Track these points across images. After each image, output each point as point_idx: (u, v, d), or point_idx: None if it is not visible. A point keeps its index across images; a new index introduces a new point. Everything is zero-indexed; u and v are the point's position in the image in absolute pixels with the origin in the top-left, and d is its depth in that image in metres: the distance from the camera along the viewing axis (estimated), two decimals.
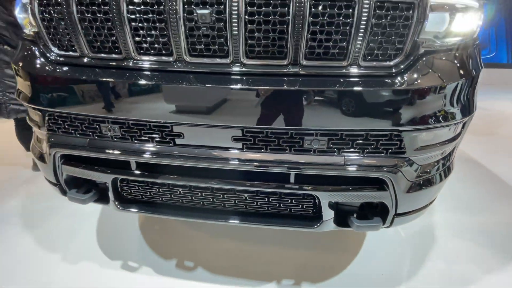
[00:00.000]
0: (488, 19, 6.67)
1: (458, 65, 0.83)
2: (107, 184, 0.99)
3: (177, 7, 0.72)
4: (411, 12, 0.71)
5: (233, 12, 0.70)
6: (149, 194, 1.01)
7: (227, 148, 0.84)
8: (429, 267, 1.37)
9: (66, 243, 1.53)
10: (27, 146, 2.26)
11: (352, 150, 0.82)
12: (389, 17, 0.72)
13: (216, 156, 0.84)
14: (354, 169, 0.81)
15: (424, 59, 0.78)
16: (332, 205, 0.92)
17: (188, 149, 0.85)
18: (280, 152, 0.82)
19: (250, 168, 0.83)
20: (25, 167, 2.37)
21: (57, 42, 0.88)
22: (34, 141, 1.12)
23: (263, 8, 0.71)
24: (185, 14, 0.73)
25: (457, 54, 0.84)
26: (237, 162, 0.83)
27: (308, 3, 0.69)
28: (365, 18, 0.70)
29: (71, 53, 0.88)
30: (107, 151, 0.89)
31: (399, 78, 0.77)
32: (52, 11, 0.83)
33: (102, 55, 0.85)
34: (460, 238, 1.57)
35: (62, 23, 0.82)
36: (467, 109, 0.88)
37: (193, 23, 0.74)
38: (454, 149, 1.02)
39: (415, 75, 0.78)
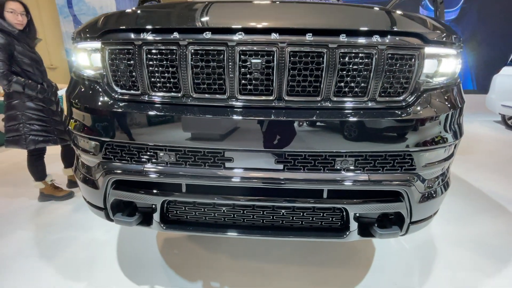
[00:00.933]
0: None
1: (449, 99, 1.06)
2: (154, 206, 1.09)
3: (233, 56, 0.90)
4: (413, 60, 0.94)
5: (280, 62, 0.90)
6: (193, 214, 1.12)
7: (270, 170, 0.99)
8: (436, 275, 1.51)
9: (89, 272, 1.54)
10: (39, 176, 2.28)
11: (374, 168, 0.99)
12: (397, 65, 0.94)
13: (261, 176, 0.99)
14: (377, 184, 0.98)
15: (424, 95, 1.00)
16: (356, 218, 1.07)
17: (236, 171, 0.99)
18: (316, 171, 0.98)
19: (291, 186, 0.98)
20: (30, 198, 2.35)
21: (121, 83, 1.03)
22: (79, 168, 1.21)
23: (303, 59, 0.91)
24: (241, 62, 0.91)
25: (447, 90, 1.07)
26: (279, 181, 0.98)
27: (336, 53, 0.90)
28: (381, 64, 0.92)
29: (132, 91, 1.02)
30: (162, 175, 1.01)
31: (407, 110, 0.98)
32: (122, 59, 0.99)
33: (162, 93, 1.00)
34: (460, 247, 1.74)
35: (130, 68, 0.98)
36: (458, 133, 1.10)
37: (247, 69, 0.92)
38: (449, 166, 1.23)
39: (419, 108, 0.99)
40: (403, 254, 1.70)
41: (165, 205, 1.10)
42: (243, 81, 0.95)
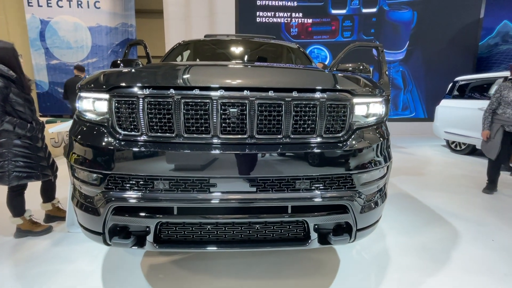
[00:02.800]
0: (405, 88, 8.80)
1: (376, 133, 1.44)
2: (147, 229, 1.29)
3: (217, 107, 1.21)
4: (346, 108, 1.32)
5: (251, 110, 1.22)
6: (182, 233, 1.33)
7: (246, 192, 1.26)
8: (389, 277, 1.80)
9: None
10: (18, 212, 2.30)
11: (324, 187, 1.31)
12: (335, 111, 1.31)
13: (239, 198, 1.25)
14: (328, 199, 1.29)
15: (357, 131, 1.37)
16: (315, 229, 1.35)
17: (219, 194, 1.25)
18: (282, 191, 1.27)
19: (263, 204, 1.25)
20: (6, 234, 2.34)
21: (124, 126, 1.28)
22: (77, 197, 1.38)
23: (268, 108, 1.24)
24: (221, 111, 1.22)
25: (374, 127, 1.45)
26: (253, 200, 1.25)
27: (291, 104, 1.24)
28: (323, 111, 1.27)
29: (133, 133, 1.28)
30: (157, 201, 1.23)
31: (345, 143, 1.33)
32: (126, 107, 1.25)
33: (159, 134, 1.27)
34: (408, 254, 2.07)
35: (133, 114, 1.25)
36: (386, 158, 1.47)
37: (226, 115, 1.23)
38: (385, 184, 1.58)
39: (354, 141, 1.35)
40: (363, 262, 1.98)
41: (158, 227, 1.30)
42: (223, 124, 1.25)
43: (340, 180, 1.33)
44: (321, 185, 1.31)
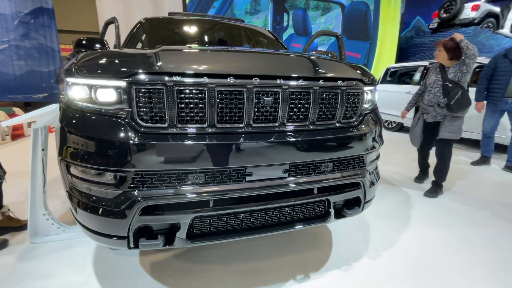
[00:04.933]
0: None
1: (376, 117, 1.64)
2: (178, 225, 1.22)
3: (252, 96, 1.19)
4: (360, 95, 1.46)
5: (284, 98, 1.24)
6: (214, 224, 1.30)
7: (279, 178, 1.30)
8: (372, 238, 2.13)
9: None
10: None
11: (344, 168, 1.45)
12: (351, 98, 1.43)
13: (273, 184, 1.29)
14: (347, 178, 1.44)
15: (365, 117, 1.54)
16: (333, 205, 1.50)
17: (255, 182, 1.26)
18: (309, 175, 1.36)
19: (294, 188, 1.32)
20: None
21: (146, 117, 1.15)
22: (85, 201, 1.20)
23: (298, 97, 1.28)
24: (256, 100, 1.21)
25: (374, 112, 1.65)
26: (285, 185, 1.30)
27: (318, 93, 1.31)
28: (343, 99, 1.39)
29: (159, 125, 1.16)
30: (194, 195, 1.17)
31: (358, 127, 1.48)
32: (151, 97, 1.12)
33: (189, 125, 1.18)
34: (380, 218, 2.45)
35: (160, 104, 1.13)
36: (382, 140, 1.69)
37: (260, 104, 1.23)
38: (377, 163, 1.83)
39: (363, 125, 1.51)
40: (349, 230, 2.28)
41: (191, 222, 1.25)
42: (257, 113, 1.24)
43: (355, 161, 1.49)
44: (341, 166, 1.45)
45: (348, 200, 1.58)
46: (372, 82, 1.57)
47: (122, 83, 1.12)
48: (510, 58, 3.65)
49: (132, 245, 1.21)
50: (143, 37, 2.72)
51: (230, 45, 2.85)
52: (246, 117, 1.23)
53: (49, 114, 1.92)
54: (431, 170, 3.16)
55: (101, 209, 1.18)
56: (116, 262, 1.84)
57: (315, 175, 1.38)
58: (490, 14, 8.99)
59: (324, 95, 1.35)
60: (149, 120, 1.16)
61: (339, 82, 1.37)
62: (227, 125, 1.23)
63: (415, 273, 1.79)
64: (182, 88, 1.13)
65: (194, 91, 1.14)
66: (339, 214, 1.53)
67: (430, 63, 5.95)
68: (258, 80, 1.20)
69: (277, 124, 1.29)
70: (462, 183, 3.42)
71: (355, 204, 1.57)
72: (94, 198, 1.20)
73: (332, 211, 1.49)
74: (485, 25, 9.19)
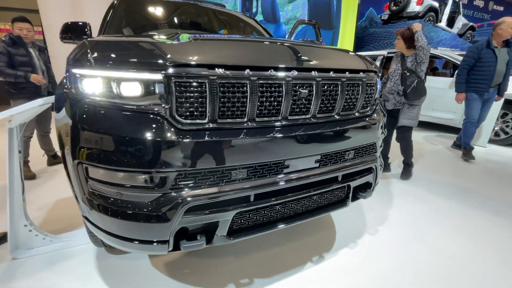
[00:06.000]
0: None
1: (381, 108, 1.77)
2: (218, 223, 1.19)
3: (289, 88, 1.19)
4: (374, 86, 1.55)
5: (317, 90, 1.27)
6: (254, 218, 1.30)
7: (312, 168, 1.34)
8: (367, 216, 2.34)
9: None
10: None
11: (362, 155, 1.55)
12: (368, 88, 1.52)
13: (306, 175, 1.33)
14: (365, 164, 1.55)
15: (376, 106, 1.65)
16: (352, 189, 1.60)
17: (291, 174, 1.28)
18: (336, 163, 1.43)
19: (324, 177, 1.38)
20: None
21: (186, 113, 1.07)
22: (116, 207, 1.09)
23: (329, 88, 1.32)
24: (293, 92, 1.21)
25: (379, 103, 1.77)
26: (317, 175, 1.35)
27: (342, 86, 1.36)
28: (363, 89, 1.46)
29: (198, 120, 1.09)
30: (237, 191, 1.15)
31: (372, 117, 1.59)
32: (192, 91, 1.04)
33: (229, 120, 1.14)
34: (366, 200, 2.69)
35: (202, 99, 1.06)
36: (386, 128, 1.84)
37: (296, 96, 1.23)
38: None
39: (375, 114, 1.62)
40: (346, 210, 2.45)
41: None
42: (292, 105, 1.25)
43: (370, 147, 1.60)
44: (360, 153, 1.54)
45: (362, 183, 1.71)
46: (378, 73, 1.68)
47: (158, 76, 1.02)
48: (493, 48, 3.62)
49: (171, 249, 1.15)
50: (121, 22, 2.44)
51: (215, 31, 2.73)
52: (284, 109, 1.22)
53: (29, 111, 1.64)
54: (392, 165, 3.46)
55: (140, 215, 1.08)
56: (126, 268, 1.72)
57: (341, 163, 1.45)
58: (431, 9, 10.04)
59: (349, 87, 1.41)
60: (189, 116, 1.08)
61: (361, 74, 1.44)
62: (265, 119, 1.21)
63: (409, 241, 2.05)
64: (225, 81, 1.08)
65: (236, 84, 1.10)
66: (354, 197, 1.65)
67: (388, 53, 6.48)
68: (296, 72, 1.20)
69: (309, 116, 1.31)
70: (431, 167, 3.91)
71: (367, 187, 1.70)
72: (128, 203, 1.09)
73: (351, 195, 1.60)
74: (427, 19, 10.26)
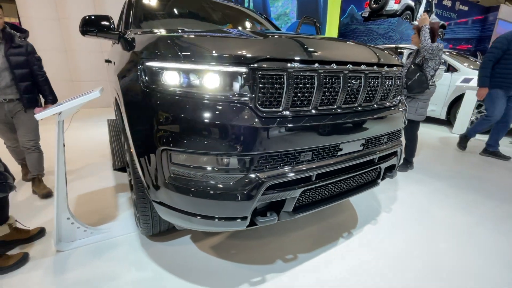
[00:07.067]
0: None
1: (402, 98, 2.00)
2: (285, 200, 1.35)
3: (346, 80, 1.36)
4: (401, 78, 1.77)
5: (365, 84, 1.45)
6: (312, 196, 1.47)
7: (358, 151, 1.54)
8: (380, 197, 2.60)
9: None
10: None
11: (391, 140, 1.77)
12: (398, 81, 1.73)
13: (354, 156, 1.52)
14: (394, 147, 1.77)
15: (400, 97, 1.87)
16: (383, 170, 1.82)
17: (343, 156, 1.46)
18: (375, 146, 1.63)
19: (366, 159, 1.58)
20: None
21: (266, 102, 1.20)
22: (203, 189, 1.21)
23: (372, 81, 1.51)
24: (347, 84, 1.39)
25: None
26: (361, 157, 1.55)
27: (381, 78, 1.56)
28: (396, 81, 1.67)
29: (274, 109, 1.23)
30: (304, 171, 1.31)
31: (398, 106, 1.81)
32: (272, 82, 1.18)
33: (297, 108, 1.28)
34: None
35: (280, 90, 1.20)
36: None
37: (350, 87, 1.41)
38: None
39: (400, 104, 1.85)
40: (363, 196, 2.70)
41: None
42: (346, 95, 1.42)
43: (398, 133, 1.83)
44: (391, 138, 1.76)
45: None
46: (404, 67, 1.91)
47: (246, 70, 1.14)
48: None
49: (247, 224, 1.28)
50: (138, 15, 2.46)
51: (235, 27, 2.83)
52: (340, 99, 1.39)
53: (76, 106, 1.66)
54: None
55: (226, 194, 1.20)
56: (176, 253, 1.82)
57: (378, 146, 1.66)
58: (408, 7, 10.67)
59: (386, 79, 1.61)
60: (267, 105, 1.21)
61: (394, 68, 1.64)
62: (324, 107, 1.37)
63: (419, 216, 2.33)
64: (299, 73, 1.22)
65: (307, 76, 1.25)
66: (383, 178, 1.87)
67: (396, 47, 6.82)
68: (351, 66, 1.37)
69: (356, 104, 1.50)
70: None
71: (392, 168, 1.94)
72: (213, 184, 1.21)
73: (381, 175, 1.82)
74: (404, 17, 10.89)
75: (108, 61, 2.94)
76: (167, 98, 1.18)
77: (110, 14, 2.02)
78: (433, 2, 11.71)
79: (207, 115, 1.14)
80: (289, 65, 1.19)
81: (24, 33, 2.32)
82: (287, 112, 1.26)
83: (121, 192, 2.68)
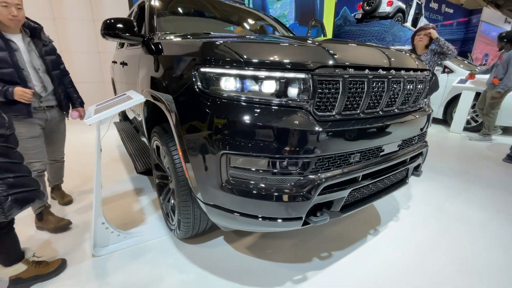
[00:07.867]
0: None
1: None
2: (333, 200, 1.40)
3: (389, 85, 1.44)
4: (427, 83, 1.87)
5: (403, 88, 1.53)
6: (356, 195, 1.53)
7: (395, 152, 1.61)
8: (396, 194, 2.71)
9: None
10: (14, 257, 1.47)
11: (419, 141, 1.86)
12: (426, 85, 1.83)
13: (393, 157, 1.60)
14: (421, 148, 1.87)
15: (426, 100, 1.97)
16: (411, 169, 1.91)
17: (384, 156, 1.54)
18: (408, 147, 1.72)
19: (401, 159, 1.66)
20: None
21: (322, 107, 1.25)
22: (260, 191, 1.25)
23: (406, 85, 1.59)
24: (390, 88, 1.46)
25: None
26: (398, 157, 1.63)
27: (416, 82, 1.64)
28: (425, 86, 1.76)
29: (328, 113, 1.28)
30: (354, 172, 1.37)
31: (425, 108, 1.91)
32: (329, 88, 1.23)
33: (347, 112, 1.35)
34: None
35: (335, 95, 1.25)
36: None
37: (392, 92, 1.48)
38: None
39: (426, 106, 1.95)
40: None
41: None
42: (388, 99, 1.49)
43: (425, 134, 1.92)
44: (420, 139, 1.86)
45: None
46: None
47: (304, 75, 1.19)
48: None
49: (300, 225, 1.33)
50: (162, 19, 2.46)
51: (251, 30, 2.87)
52: (383, 102, 1.47)
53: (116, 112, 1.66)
54: None
55: (286, 196, 1.24)
56: (213, 254, 1.84)
57: (411, 147, 1.75)
58: (399, 10, 10.99)
59: (418, 83, 1.70)
60: (323, 109, 1.27)
61: (424, 73, 1.73)
62: (369, 110, 1.44)
63: (436, 212, 2.45)
64: (352, 79, 1.28)
65: (359, 81, 1.31)
66: (410, 177, 1.97)
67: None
68: (394, 71, 1.44)
69: (394, 107, 1.57)
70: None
71: (417, 167, 2.03)
72: (273, 186, 1.25)
73: (410, 174, 1.91)
74: (396, 19, 11.21)
75: (123, 63, 2.91)
76: (228, 104, 1.21)
77: (108, 15, 2.03)
78: (423, 5, 12.11)
79: (267, 119, 1.18)
80: (344, 71, 1.25)
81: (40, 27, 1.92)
82: (339, 116, 1.31)
83: (142, 195, 2.66)
